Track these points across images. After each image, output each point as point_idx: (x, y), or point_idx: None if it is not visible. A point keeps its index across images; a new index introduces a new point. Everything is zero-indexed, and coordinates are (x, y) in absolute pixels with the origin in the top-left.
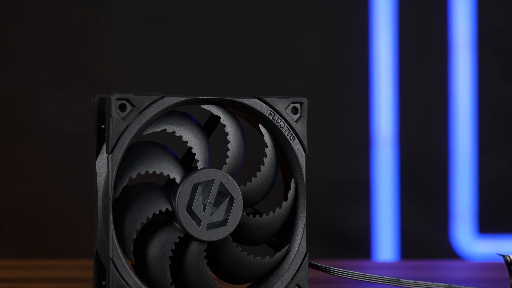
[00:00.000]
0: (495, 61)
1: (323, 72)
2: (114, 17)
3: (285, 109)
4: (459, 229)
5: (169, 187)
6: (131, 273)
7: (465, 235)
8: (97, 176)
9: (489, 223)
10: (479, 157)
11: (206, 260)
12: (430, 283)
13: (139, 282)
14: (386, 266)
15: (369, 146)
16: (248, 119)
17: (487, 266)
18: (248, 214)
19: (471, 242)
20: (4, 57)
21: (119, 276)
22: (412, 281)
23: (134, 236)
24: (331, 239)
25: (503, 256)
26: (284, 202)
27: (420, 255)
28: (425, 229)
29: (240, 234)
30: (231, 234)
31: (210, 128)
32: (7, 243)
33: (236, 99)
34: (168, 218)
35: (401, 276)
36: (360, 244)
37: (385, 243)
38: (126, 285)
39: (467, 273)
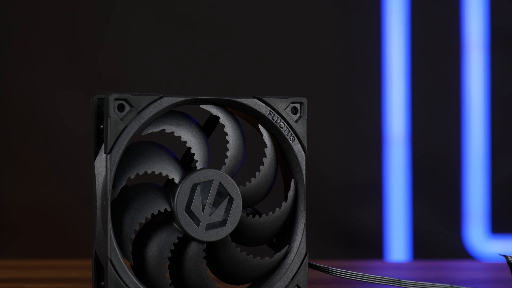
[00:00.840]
0: (507, 60)
1: (335, 72)
2: (127, 18)
3: (285, 109)
4: (472, 229)
5: (168, 188)
6: (130, 273)
7: (477, 235)
8: (96, 177)
9: (502, 223)
10: (492, 157)
11: (205, 261)
12: (431, 283)
13: (137, 283)
14: (397, 266)
15: (382, 145)
16: (248, 119)
17: (500, 267)
18: (247, 215)
19: (484, 242)
20: (17, 57)
21: (117, 276)
22: (413, 281)
23: (133, 236)
24: (343, 239)
25: (505, 256)
26: (284, 202)
27: (433, 255)
28: (438, 229)
29: (240, 235)
30: (231, 234)
31: (209, 128)
32: (18, 243)
33: (235, 99)
34: (167, 219)
35: (413, 277)
36: (372, 245)
37: (397, 243)
38: (124, 285)
39: (479, 274)
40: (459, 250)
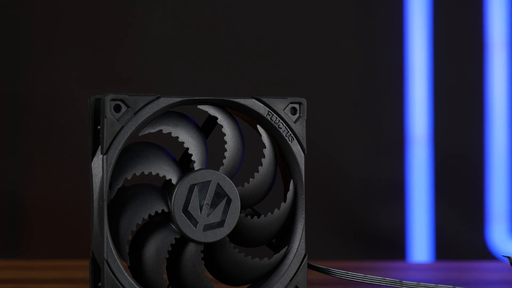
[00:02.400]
0: None
1: (357, 72)
2: (146, 18)
3: (284, 109)
4: (495, 229)
5: (166, 188)
6: (126, 274)
7: (500, 235)
8: (93, 177)
9: None
10: None
11: (203, 262)
12: (434, 285)
13: (134, 284)
14: (419, 267)
15: (404, 145)
16: (247, 119)
17: None
18: (246, 215)
19: (507, 243)
20: (37, 57)
21: (113, 277)
22: (416, 283)
23: (130, 237)
24: (365, 240)
25: (509, 258)
26: (283, 203)
27: (455, 256)
28: (460, 229)
29: (239, 236)
30: (229, 235)
31: (208, 129)
32: (37, 243)
33: (233, 99)
34: (164, 220)
35: (435, 278)
36: (394, 245)
37: (420, 244)
38: (120, 286)
39: (502, 275)
40: (482, 251)
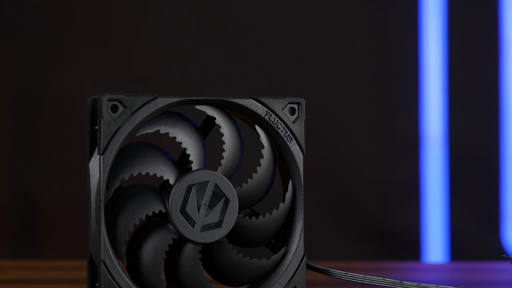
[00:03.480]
0: None
1: (372, 71)
2: (161, 17)
3: (282, 109)
4: (511, 229)
5: (163, 189)
6: (123, 275)
7: None
8: (90, 178)
9: None
10: None
11: (201, 262)
12: (435, 286)
13: (131, 284)
14: (434, 268)
15: (419, 145)
16: (246, 120)
17: None
18: (245, 216)
19: None
20: (51, 57)
21: (110, 278)
22: (416, 283)
23: (127, 237)
24: (379, 240)
25: (511, 258)
26: (281, 203)
27: (471, 257)
28: (476, 230)
29: (237, 236)
30: (227, 236)
31: (206, 129)
32: (53, 243)
33: (231, 99)
34: (162, 220)
35: (450, 279)
36: (409, 246)
37: (435, 244)
38: (117, 286)
39: None
40: (497, 251)
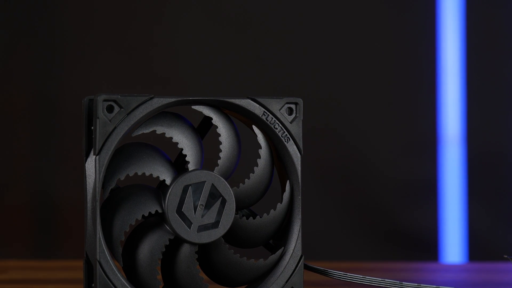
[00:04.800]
0: None
1: (390, 71)
2: (178, 17)
3: (280, 109)
4: None
5: (160, 189)
6: (119, 275)
7: None
8: (87, 178)
9: None
10: None
11: (197, 263)
12: (435, 286)
13: (126, 285)
14: (451, 268)
15: (437, 144)
16: (244, 120)
17: None
18: (242, 216)
19: None
20: (70, 57)
21: (106, 278)
22: (416, 284)
23: (123, 238)
24: (396, 240)
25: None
26: (279, 204)
27: (489, 257)
28: (494, 230)
29: (234, 236)
30: (225, 236)
31: (204, 130)
32: (72, 244)
33: (228, 99)
34: (159, 220)
35: (468, 279)
36: (427, 246)
37: (453, 244)
38: (113, 287)
39: None
40: None
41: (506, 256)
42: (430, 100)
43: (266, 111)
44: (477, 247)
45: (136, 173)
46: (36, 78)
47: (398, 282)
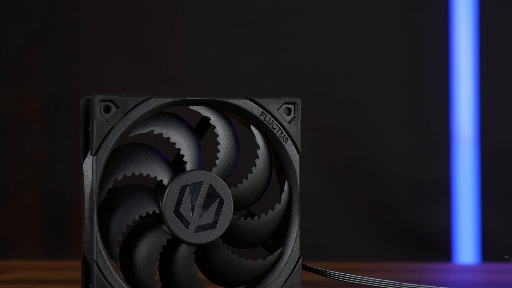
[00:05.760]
0: None
1: (403, 71)
2: (192, 19)
3: (278, 110)
4: None
5: (158, 189)
6: (116, 275)
7: None
8: (84, 178)
9: None
10: None
11: (195, 263)
12: (435, 287)
13: (123, 285)
14: (463, 269)
15: (450, 145)
16: (242, 120)
17: None
18: (240, 217)
19: None
20: (84, 58)
21: (103, 278)
22: (416, 285)
23: (120, 238)
24: (409, 240)
25: None
26: (277, 204)
27: (502, 257)
28: (507, 230)
29: (232, 237)
30: (223, 236)
31: (202, 130)
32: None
33: (225, 100)
34: (156, 221)
35: (481, 280)
36: (440, 246)
37: (466, 245)
38: (110, 287)
39: None
40: None
41: (507, 257)
42: (443, 100)
43: (264, 111)
44: (491, 247)
45: (133, 174)
46: (50, 78)
47: (398, 282)
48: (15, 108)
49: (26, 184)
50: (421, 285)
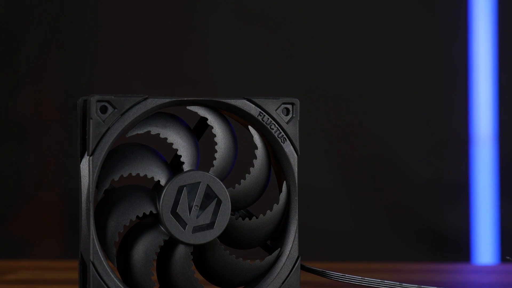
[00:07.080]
0: None
1: (423, 71)
2: (210, 18)
3: (276, 110)
4: None
5: (155, 190)
6: (113, 276)
7: None
8: (81, 178)
9: None
10: None
11: (193, 264)
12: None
13: (120, 286)
14: (484, 269)
15: (469, 145)
16: (240, 120)
17: None
18: (239, 217)
19: None
20: (102, 57)
21: (99, 279)
22: (416, 285)
23: (117, 239)
24: (428, 240)
25: None
26: (275, 205)
27: None
28: None
29: (230, 237)
30: (220, 237)
31: (200, 130)
32: None
33: (223, 100)
34: (153, 221)
35: (499, 281)
36: (459, 247)
37: (485, 245)
38: None
39: None
40: None
41: (508, 258)
42: (462, 99)
43: (262, 111)
44: (510, 247)
45: (130, 174)
46: (68, 79)
47: (398, 283)
48: (33, 109)
49: (44, 184)
50: (422, 286)
